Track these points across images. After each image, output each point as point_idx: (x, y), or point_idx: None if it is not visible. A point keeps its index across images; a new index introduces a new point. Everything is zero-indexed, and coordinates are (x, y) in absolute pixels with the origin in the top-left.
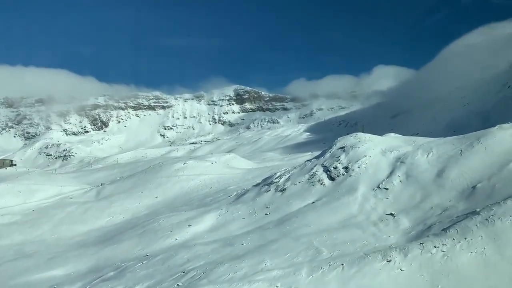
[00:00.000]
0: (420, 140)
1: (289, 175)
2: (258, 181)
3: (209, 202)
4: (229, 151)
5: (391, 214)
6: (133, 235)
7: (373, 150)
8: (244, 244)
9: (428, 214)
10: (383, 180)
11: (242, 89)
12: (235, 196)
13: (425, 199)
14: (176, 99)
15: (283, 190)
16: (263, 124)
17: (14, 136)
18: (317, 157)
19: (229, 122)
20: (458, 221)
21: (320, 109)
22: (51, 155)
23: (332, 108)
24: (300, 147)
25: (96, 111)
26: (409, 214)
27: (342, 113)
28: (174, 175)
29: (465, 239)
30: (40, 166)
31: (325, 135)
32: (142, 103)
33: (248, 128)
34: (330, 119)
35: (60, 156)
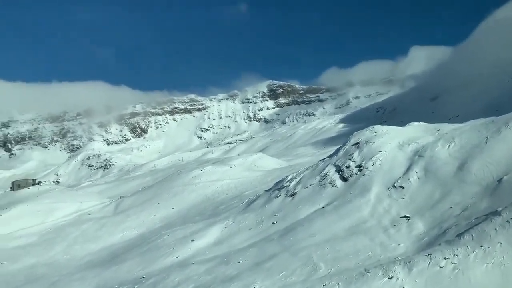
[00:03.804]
0: (445, 128)
1: (300, 177)
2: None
3: (220, 211)
4: (263, 149)
5: (406, 216)
6: (137, 253)
7: (389, 144)
8: (240, 261)
9: (445, 215)
10: (399, 177)
11: (275, 84)
12: (246, 203)
13: (444, 197)
14: (210, 100)
15: (293, 194)
16: (299, 117)
17: (60, 150)
18: (330, 156)
19: (264, 118)
20: (476, 224)
21: (357, 98)
22: (92, 166)
23: (370, 95)
24: (334, 140)
25: (135, 119)
26: (424, 216)
27: (380, 99)
28: (191, 183)
29: (481, 247)
30: (83, 178)
31: (362, 125)
32: (178, 107)
33: (283, 123)
34: (367, 107)
35: (101, 166)
